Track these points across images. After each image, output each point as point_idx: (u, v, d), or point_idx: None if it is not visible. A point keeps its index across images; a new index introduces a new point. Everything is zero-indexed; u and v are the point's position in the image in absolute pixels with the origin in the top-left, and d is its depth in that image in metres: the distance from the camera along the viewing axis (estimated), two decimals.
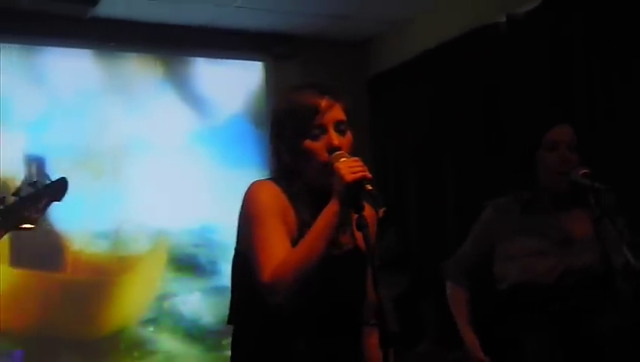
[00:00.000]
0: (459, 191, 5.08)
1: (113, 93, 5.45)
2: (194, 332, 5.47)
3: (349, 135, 2.40)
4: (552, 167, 3.23)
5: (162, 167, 5.46)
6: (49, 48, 5.34)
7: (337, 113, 2.39)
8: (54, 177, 3.35)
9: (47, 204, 3.31)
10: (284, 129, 2.41)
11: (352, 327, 2.44)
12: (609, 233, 3.16)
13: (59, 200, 3.35)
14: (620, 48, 4.09)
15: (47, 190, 3.30)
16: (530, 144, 3.32)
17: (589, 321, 3.16)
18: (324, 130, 2.36)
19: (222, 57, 5.84)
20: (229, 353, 2.48)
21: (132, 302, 5.40)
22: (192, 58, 5.75)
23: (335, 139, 2.35)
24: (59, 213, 4.94)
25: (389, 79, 5.84)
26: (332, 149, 2.34)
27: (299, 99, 2.41)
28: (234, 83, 5.84)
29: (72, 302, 5.18)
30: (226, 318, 2.49)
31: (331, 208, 2.24)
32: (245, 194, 2.39)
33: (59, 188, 3.40)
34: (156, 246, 5.45)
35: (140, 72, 5.58)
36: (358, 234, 2.35)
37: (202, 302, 5.50)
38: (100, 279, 5.31)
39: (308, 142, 2.36)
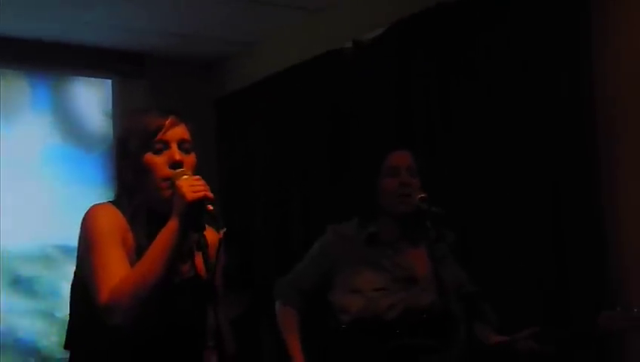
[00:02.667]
0: (304, 214, 5.12)
1: None
2: (31, 356, 5.29)
3: (192, 155, 2.39)
4: (393, 192, 3.26)
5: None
6: None
7: (181, 132, 2.39)
8: None
9: None
10: (127, 146, 2.38)
11: (193, 352, 2.42)
12: (443, 257, 3.25)
13: None
14: (457, 75, 4.24)
15: None
16: (371, 170, 3.35)
17: (427, 359, 3.19)
18: (166, 145, 2.35)
19: (71, 74, 5.72)
20: None
21: None
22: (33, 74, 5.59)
23: (177, 154, 2.34)
24: None
25: (237, 101, 5.85)
26: (174, 164, 2.32)
27: (144, 118, 2.40)
28: (85, 100, 5.72)
29: None
30: (63, 343, 2.44)
31: (170, 226, 2.22)
32: (83, 218, 2.36)
33: None
34: None
35: None
36: (199, 261, 2.33)
37: (40, 326, 5.33)
38: None
39: (149, 156, 2.34)
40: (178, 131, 2.38)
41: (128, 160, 2.38)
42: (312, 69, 5.15)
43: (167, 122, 2.37)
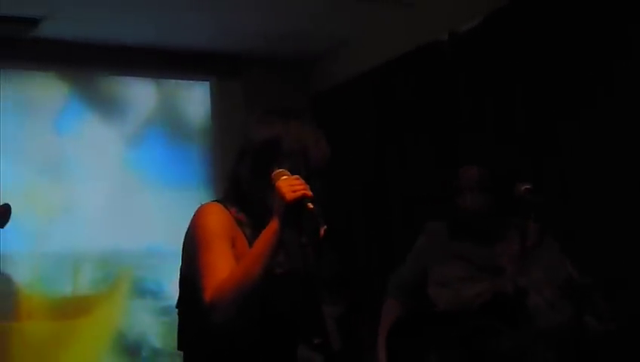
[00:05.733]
0: (405, 211, 5.08)
1: (40, 115, 5.36)
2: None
3: None
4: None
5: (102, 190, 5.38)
6: None
7: None
8: None
9: None
10: (278, 148, 2.37)
11: (295, 345, 2.43)
12: (549, 248, 3.26)
13: (2, 226, 3.27)
14: (562, 64, 4.13)
15: None
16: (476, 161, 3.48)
17: (495, 340, 3.24)
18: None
19: (166, 77, 5.81)
20: None
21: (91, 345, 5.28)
22: (135, 78, 5.69)
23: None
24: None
25: (332, 98, 5.84)
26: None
27: (301, 126, 2.40)
28: (177, 103, 5.79)
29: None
30: (176, 344, 2.46)
31: (271, 227, 2.23)
32: (193, 217, 2.38)
33: (2, 214, 3.31)
34: (116, 281, 5.36)
35: (73, 93, 5.49)
36: (299, 253, 2.33)
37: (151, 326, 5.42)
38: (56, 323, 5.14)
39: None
40: None
41: (252, 168, 2.38)
42: (408, 63, 5.09)
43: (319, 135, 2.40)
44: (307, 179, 2.26)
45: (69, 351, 5.16)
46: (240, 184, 2.41)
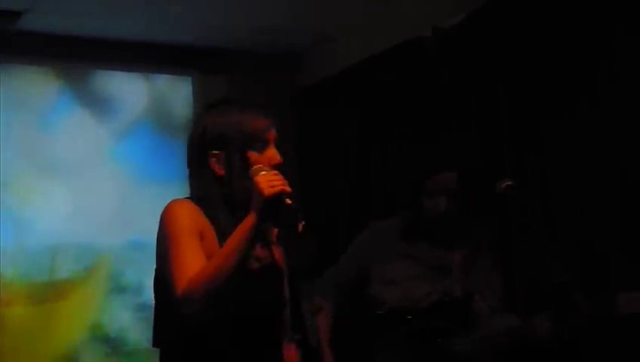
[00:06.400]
0: (387, 205, 5.07)
1: (26, 109, 5.33)
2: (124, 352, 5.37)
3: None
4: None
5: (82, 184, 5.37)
6: None
7: (275, 130, 2.46)
8: None
9: None
10: (224, 140, 2.40)
11: (274, 341, 2.44)
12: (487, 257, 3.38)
13: None
14: (548, 62, 4.12)
15: None
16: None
17: (445, 341, 3.27)
18: (266, 144, 2.42)
19: (150, 72, 5.78)
20: None
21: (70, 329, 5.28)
22: (113, 72, 5.66)
23: (278, 156, 2.41)
24: None
25: (317, 93, 5.83)
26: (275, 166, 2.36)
27: (245, 115, 2.43)
28: (154, 96, 5.77)
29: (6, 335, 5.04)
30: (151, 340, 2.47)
31: (248, 221, 2.23)
32: (162, 213, 2.39)
33: None
34: (94, 268, 5.35)
35: (57, 88, 5.46)
36: (277, 248, 2.33)
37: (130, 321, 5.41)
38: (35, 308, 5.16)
39: (252, 153, 2.39)
40: (274, 130, 2.44)
41: (223, 153, 2.40)
42: (392, 59, 5.08)
43: (269, 122, 2.43)
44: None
45: (48, 335, 5.17)
46: (212, 173, 2.42)
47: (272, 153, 2.41)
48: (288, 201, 2.21)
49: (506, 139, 4.26)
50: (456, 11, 4.64)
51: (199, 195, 2.43)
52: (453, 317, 3.26)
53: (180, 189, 2.54)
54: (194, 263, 2.25)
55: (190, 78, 5.86)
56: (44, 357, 5.17)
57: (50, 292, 5.21)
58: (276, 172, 2.28)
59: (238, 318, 2.32)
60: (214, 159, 2.41)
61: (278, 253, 2.40)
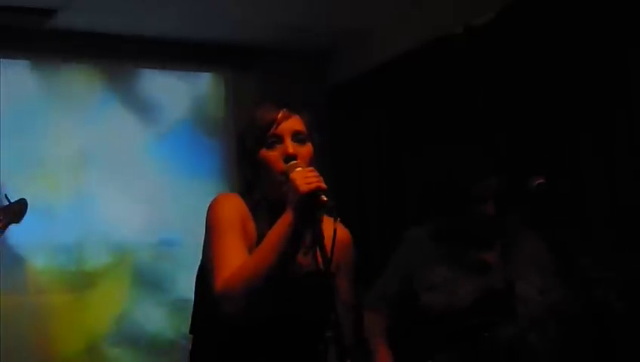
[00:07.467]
0: (421, 205, 5.06)
1: (62, 105, 5.37)
2: (157, 347, 5.38)
3: (309, 146, 2.41)
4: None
5: (119, 178, 5.41)
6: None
7: (295, 123, 2.41)
8: (13, 198, 3.27)
9: (6, 226, 3.25)
10: (244, 142, 2.44)
11: (313, 345, 2.40)
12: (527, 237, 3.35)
13: (17, 222, 3.29)
14: (578, 58, 4.10)
15: (6, 211, 3.24)
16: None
17: (491, 333, 3.24)
18: (280, 139, 2.38)
19: (180, 69, 5.79)
20: None
21: (96, 320, 5.32)
22: (148, 70, 5.68)
23: (290, 147, 2.36)
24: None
25: (348, 90, 5.83)
26: (287, 158, 2.34)
27: (256, 113, 2.44)
28: (188, 94, 5.80)
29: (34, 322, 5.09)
30: (189, 329, 2.49)
31: (285, 219, 2.23)
32: (208, 206, 2.41)
33: (18, 210, 3.33)
34: (119, 261, 5.39)
35: (93, 85, 5.50)
36: (319, 254, 2.33)
37: (164, 317, 5.41)
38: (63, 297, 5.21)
39: (264, 151, 2.38)
40: (291, 123, 2.41)
41: (246, 156, 2.44)
42: (423, 56, 5.07)
43: (279, 116, 2.40)
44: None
45: (75, 322, 5.23)
46: (244, 177, 2.46)
47: (284, 147, 2.37)
48: (324, 198, 2.20)
49: (540, 136, 4.23)
50: (487, 9, 4.63)
51: (241, 191, 2.46)
52: (497, 309, 3.25)
53: (213, 187, 2.57)
54: (235, 260, 2.25)
55: (223, 77, 5.89)
56: (75, 342, 5.22)
57: (79, 282, 5.26)
58: (312, 168, 2.28)
59: (280, 322, 2.32)
60: (242, 162, 2.48)
61: (320, 259, 2.36)
